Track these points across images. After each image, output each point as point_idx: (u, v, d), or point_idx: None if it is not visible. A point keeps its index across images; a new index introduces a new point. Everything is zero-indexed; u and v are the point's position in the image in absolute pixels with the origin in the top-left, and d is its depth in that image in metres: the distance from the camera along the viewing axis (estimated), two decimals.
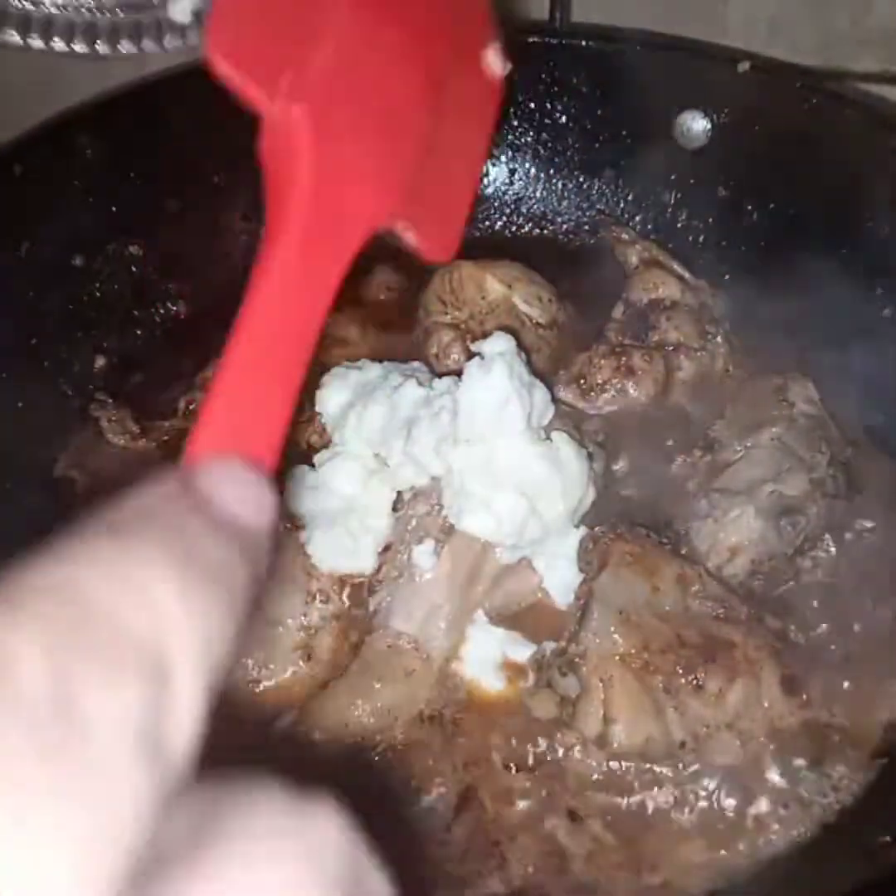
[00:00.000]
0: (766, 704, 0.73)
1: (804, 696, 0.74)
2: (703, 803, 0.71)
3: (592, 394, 1.01)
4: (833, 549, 0.86)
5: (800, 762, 0.73)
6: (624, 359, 1.01)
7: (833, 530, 0.87)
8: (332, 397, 0.97)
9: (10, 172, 1.04)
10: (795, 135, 1.08)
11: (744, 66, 1.09)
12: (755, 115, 1.10)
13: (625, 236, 1.14)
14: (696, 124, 1.15)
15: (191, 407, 1.04)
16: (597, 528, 0.79)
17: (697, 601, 0.75)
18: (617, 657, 0.70)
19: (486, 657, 0.81)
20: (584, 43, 1.18)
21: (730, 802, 0.71)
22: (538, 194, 1.26)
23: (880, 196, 1.03)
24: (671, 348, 1.03)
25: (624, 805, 0.70)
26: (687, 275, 1.09)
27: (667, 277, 1.07)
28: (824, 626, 0.80)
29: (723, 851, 0.69)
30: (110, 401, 1.01)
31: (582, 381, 1.02)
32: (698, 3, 1.19)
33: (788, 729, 0.73)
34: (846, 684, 0.76)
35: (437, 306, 1.10)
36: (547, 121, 1.23)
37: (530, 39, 1.20)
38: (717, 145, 1.14)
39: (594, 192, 1.23)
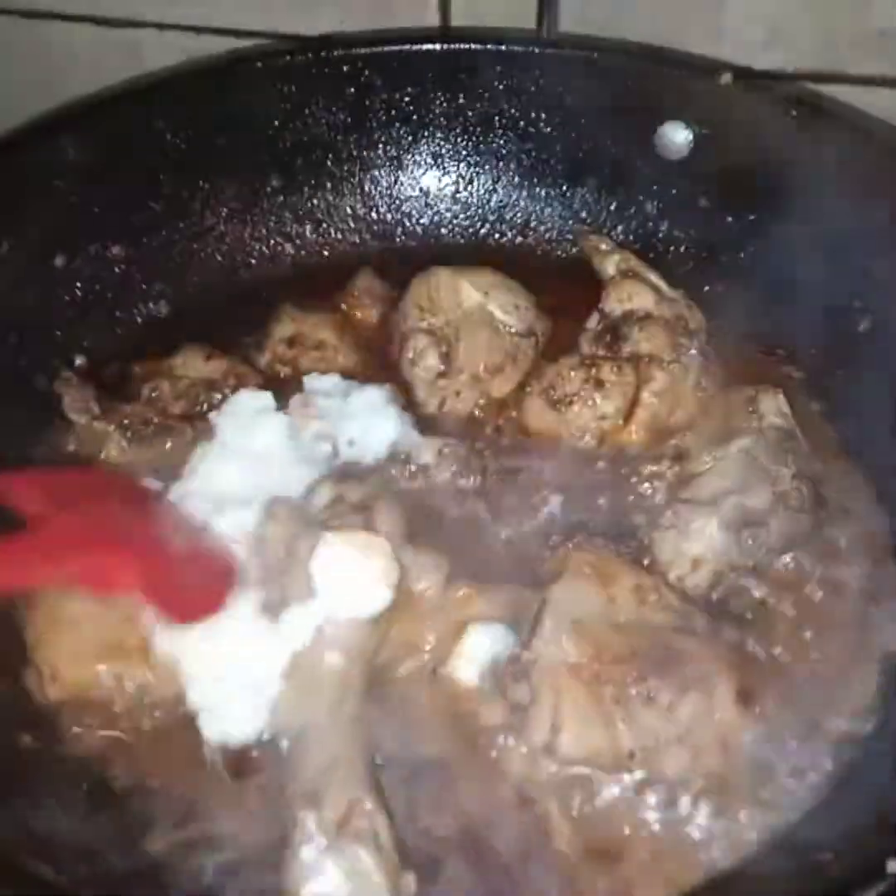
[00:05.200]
0: (717, 718, 0.71)
1: (758, 710, 0.73)
2: (649, 816, 0.70)
3: (559, 406, 1.00)
4: (794, 563, 0.85)
5: (749, 777, 0.72)
6: (593, 370, 1.01)
7: (797, 543, 0.86)
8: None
9: None
10: (776, 147, 1.07)
11: (725, 78, 1.09)
12: (736, 127, 1.10)
13: (603, 247, 1.13)
14: (678, 135, 1.15)
15: (153, 393, 1.05)
16: (554, 537, 0.78)
17: (654, 612, 0.74)
18: (567, 667, 0.69)
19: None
20: (568, 53, 1.18)
21: (676, 815, 0.70)
22: (521, 203, 1.26)
23: (859, 209, 1.02)
24: (644, 360, 1.02)
25: (567, 814, 0.70)
26: (663, 286, 1.09)
27: (642, 288, 1.07)
28: (783, 639, 0.79)
29: (668, 864, 0.68)
30: (75, 379, 1.02)
31: (551, 392, 1.01)
32: (694, 9, 1.18)
33: (740, 743, 0.72)
34: (801, 698, 0.75)
35: (414, 312, 1.10)
36: (531, 129, 1.23)
37: (516, 48, 1.20)
38: (699, 156, 1.14)
39: (577, 201, 1.23)
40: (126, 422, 1.00)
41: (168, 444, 1.00)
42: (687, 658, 0.72)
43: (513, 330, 1.09)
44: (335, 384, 1.04)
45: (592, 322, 1.08)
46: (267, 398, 1.00)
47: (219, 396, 1.05)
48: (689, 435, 0.95)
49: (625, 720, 0.69)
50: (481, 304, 1.08)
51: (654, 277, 1.09)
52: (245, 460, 0.95)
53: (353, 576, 0.78)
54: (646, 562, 0.83)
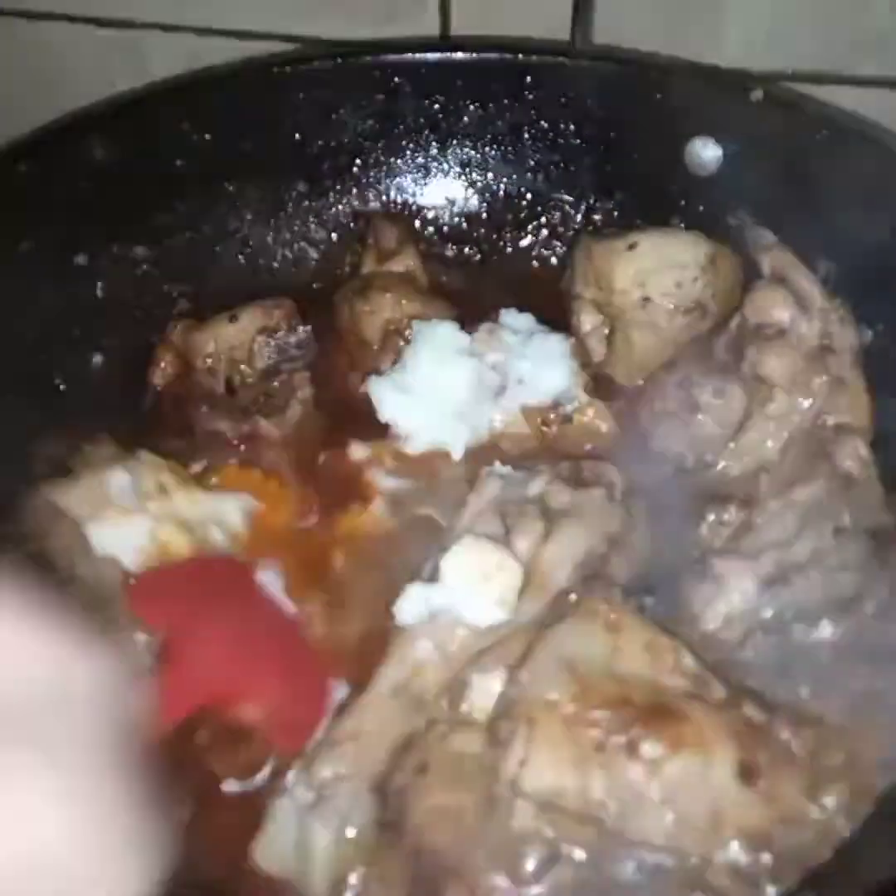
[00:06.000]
0: (712, 786, 0.66)
1: (760, 786, 0.66)
2: (616, 876, 0.65)
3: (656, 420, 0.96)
4: (830, 630, 0.78)
5: (733, 859, 0.65)
6: (693, 391, 0.95)
7: (838, 607, 0.78)
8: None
9: (14, 170, 1.05)
10: (805, 166, 1.05)
11: (756, 95, 1.07)
12: (766, 145, 1.07)
13: (763, 239, 1.05)
14: (708, 151, 1.12)
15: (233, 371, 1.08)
16: (572, 589, 0.76)
17: (667, 675, 0.69)
18: (547, 703, 0.66)
19: None
20: (598, 66, 1.17)
21: (641, 881, 0.65)
22: (547, 215, 1.24)
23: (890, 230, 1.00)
24: (760, 380, 0.94)
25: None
26: (816, 295, 0.98)
27: (781, 299, 0.97)
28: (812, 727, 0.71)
29: None
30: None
31: (651, 404, 0.97)
32: (694, 9, 1.17)
33: (734, 819, 0.66)
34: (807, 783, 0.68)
35: (579, 279, 1.08)
36: (560, 141, 1.22)
37: (547, 60, 1.18)
38: (728, 173, 1.12)
39: (603, 215, 1.22)
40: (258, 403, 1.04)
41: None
42: (684, 720, 0.67)
43: (674, 307, 1.02)
44: (524, 322, 1.07)
45: (732, 324, 1.00)
46: (458, 334, 1.05)
47: (281, 332, 1.08)
48: (765, 476, 0.89)
49: (601, 767, 0.65)
50: (638, 294, 1.03)
51: (806, 283, 0.99)
52: (429, 392, 1.02)
53: (474, 584, 0.78)
54: (677, 612, 0.79)
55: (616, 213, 1.21)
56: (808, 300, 0.98)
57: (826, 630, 0.76)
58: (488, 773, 0.66)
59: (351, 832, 0.69)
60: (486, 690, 0.70)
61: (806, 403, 0.93)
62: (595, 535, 0.80)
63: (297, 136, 1.22)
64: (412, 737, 0.71)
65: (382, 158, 1.26)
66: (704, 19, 1.16)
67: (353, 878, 0.68)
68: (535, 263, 1.23)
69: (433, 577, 0.79)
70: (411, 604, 0.79)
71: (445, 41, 1.25)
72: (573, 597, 0.74)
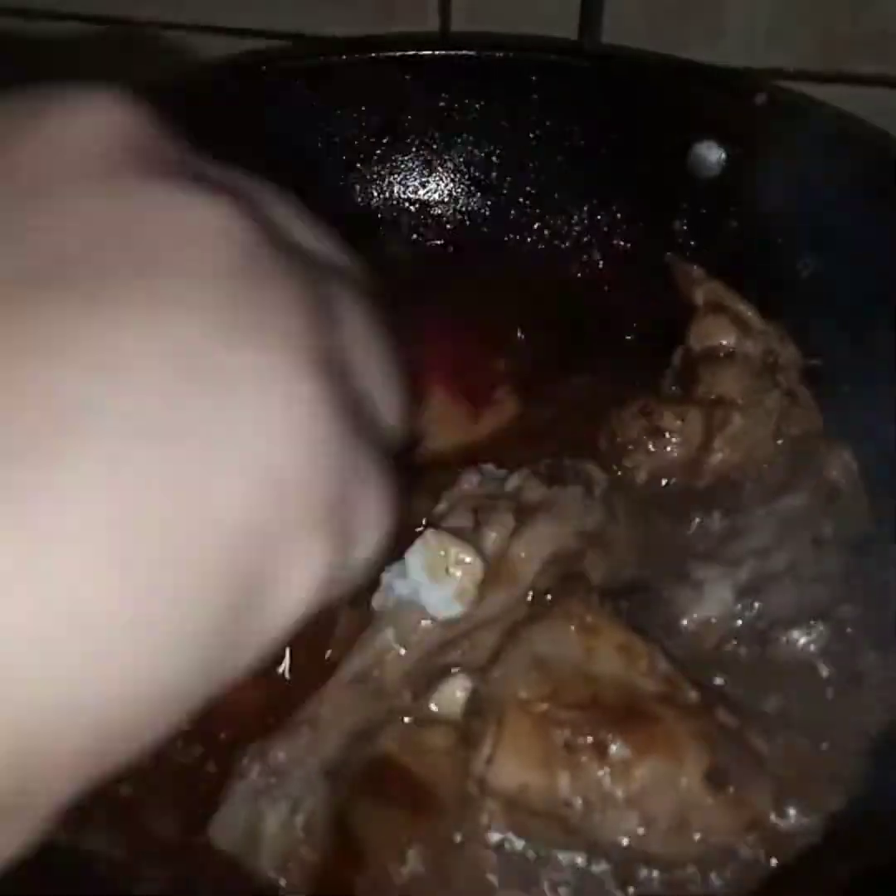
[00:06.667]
0: (681, 788, 0.65)
1: (731, 791, 0.66)
2: (572, 879, 0.65)
3: (620, 452, 0.94)
4: (802, 642, 0.77)
5: (699, 861, 0.65)
6: (653, 417, 0.94)
7: (806, 620, 0.78)
8: None
9: None
10: (809, 171, 1.04)
11: (761, 99, 1.06)
12: (770, 149, 1.07)
13: (694, 274, 1.06)
14: (711, 154, 1.12)
15: None
16: (550, 589, 0.75)
17: (640, 678, 0.69)
18: (518, 701, 0.66)
19: None
20: (607, 66, 1.16)
21: (603, 880, 0.65)
22: (548, 214, 1.24)
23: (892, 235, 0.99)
24: (717, 403, 0.94)
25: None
26: (753, 318, 1.00)
27: (724, 324, 0.99)
28: (782, 738, 0.71)
29: None
30: None
31: (616, 439, 0.95)
32: (694, 8, 1.17)
33: (701, 824, 0.65)
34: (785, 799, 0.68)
35: None
36: (565, 143, 1.21)
37: (552, 59, 1.18)
38: (731, 177, 1.11)
39: (605, 215, 1.21)
40: None
41: None
42: (655, 722, 0.66)
43: None
44: None
45: (676, 358, 1.01)
46: None
47: None
48: (751, 485, 0.89)
49: (569, 766, 0.64)
50: None
51: (743, 309, 1.02)
52: None
53: (435, 577, 0.77)
54: (659, 615, 0.79)
55: (619, 215, 1.20)
56: (747, 323, 0.99)
57: (797, 642, 0.75)
58: (456, 768, 0.66)
59: (300, 816, 0.69)
60: (451, 686, 0.70)
61: (764, 419, 0.93)
62: (568, 531, 0.79)
63: (299, 131, 1.22)
64: (370, 724, 0.71)
65: (386, 155, 1.26)
66: (703, 17, 1.16)
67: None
68: (543, 258, 1.23)
69: (401, 570, 0.79)
70: (380, 593, 0.79)
71: (445, 38, 1.25)
72: (549, 597, 0.74)
